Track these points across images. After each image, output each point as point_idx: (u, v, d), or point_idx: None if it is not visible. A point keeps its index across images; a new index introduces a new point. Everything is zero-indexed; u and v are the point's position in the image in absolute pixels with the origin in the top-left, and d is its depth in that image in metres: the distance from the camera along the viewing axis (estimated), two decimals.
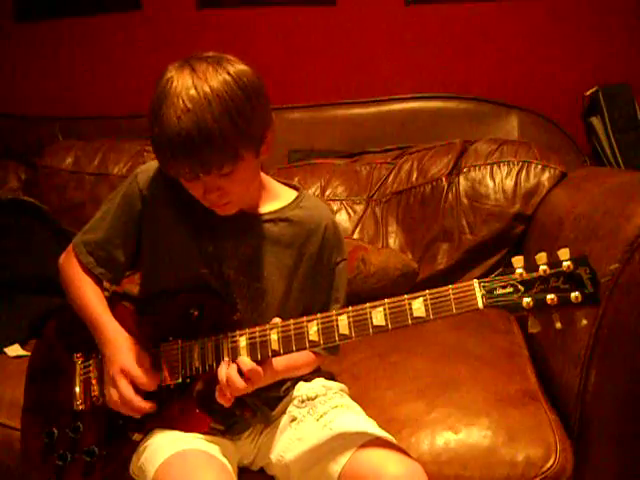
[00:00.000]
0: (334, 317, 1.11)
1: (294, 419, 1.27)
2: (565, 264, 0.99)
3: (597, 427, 1.33)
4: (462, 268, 1.98)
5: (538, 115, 2.24)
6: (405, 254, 1.99)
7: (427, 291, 1.05)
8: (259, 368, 1.13)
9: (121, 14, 2.59)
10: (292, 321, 1.13)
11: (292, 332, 1.13)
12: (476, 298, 1.03)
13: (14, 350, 1.71)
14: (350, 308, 1.10)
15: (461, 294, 1.04)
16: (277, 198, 1.29)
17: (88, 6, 2.61)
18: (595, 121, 2.25)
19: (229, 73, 1.10)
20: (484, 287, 1.03)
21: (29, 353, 1.64)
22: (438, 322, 1.82)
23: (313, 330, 1.11)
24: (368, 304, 1.09)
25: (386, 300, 1.08)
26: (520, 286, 1.01)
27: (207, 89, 1.06)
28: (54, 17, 2.64)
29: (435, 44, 2.42)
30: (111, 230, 1.28)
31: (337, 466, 1.15)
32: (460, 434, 1.30)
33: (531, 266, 1.02)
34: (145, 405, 1.18)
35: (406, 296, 1.07)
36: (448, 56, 2.41)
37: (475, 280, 1.04)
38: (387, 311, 1.07)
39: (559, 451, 1.26)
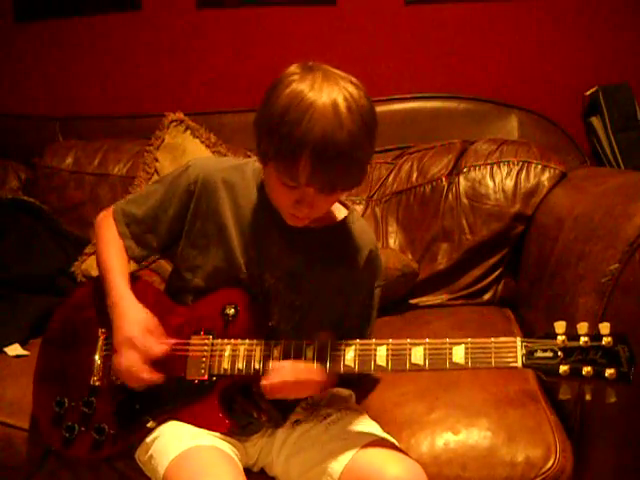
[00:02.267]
0: (373, 346, 1.12)
1: (297, 420, 1.28)
2: (606, 340, 1.02)
3: (597, 427, 1.33)
4: (462, 268, 1.97)
5: (538, 115, 2.24)
6: (405, 254, 1.99)
7: (469, 339, 1.08)
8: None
9: (121, 14, 2.58)
10: (329, 342, 1.14)
11: (328, 353, 1.13)
12: (517, 356, 1.06)
13: (14, 350, 1.71)
14: (390, 340, 1.12)
15: (502, 349, 1.07)
16: (328, 214, 1.27)
17: (88, 6, 2.61)
18: (595, 121, 2.25)
19: (366, 96, 1.10)
20: (526, 347, 1.06)
21: (29, 353, 1.65)
22: (438, 322, 1.82)
23: (350, 355, 1.12)
24: (409, 340, 1.11)
25: (427, 340, 1.10)
26: (560, 352, 1.04)
27: (358, 112, 1.06)
28: (54, 17, 2.64)
29: (435, 44, 2.41)
30: (151, 212, 1.30)
31: (338, 466, 1.15)
32: (460, 435, 1.30)
33: (572, 334, 1.04)
34: (151, 375, 1.17)
35: (448, 340, 1.09)
36: (448, 56, 2.41)
37: (518, 338, 1.07)
38: (427, 351, 1.09)
39: (559, 451, 1.26)
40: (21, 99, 2.72)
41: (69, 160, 2.36)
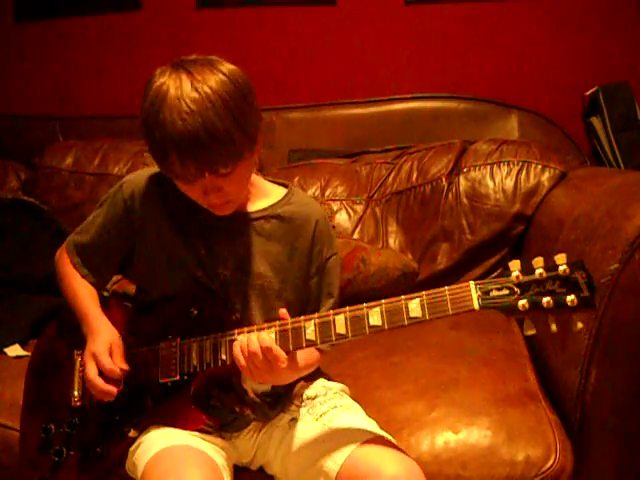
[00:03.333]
0: (331, 316, 1.11)
1: (293, 418, 1.27)
2: (561, 268, 1.00)
3: (597, 427, 1.33)
4: (462, 268, 1.98)
5: (538, 115, 2.24)
6: (405, 254, 1.99)
7: (424, 292, 1.06)
8: (278, 349, 1.11)
9: (121, 14, 2.59)
10: (289, 319, 1.14)
11: (289, 330, 1.13)
12: (472, 299, 1.03)
13: (14, 350, 1.71)
14: (347, 308, 1.11)
15: (457, 295, 1.04)
16: (266, 196, 1.30)
17: (88, 6, 2.61)
18: (595, 121, 2.25)
19: (224, 73, 1.11)
20: (480, 288, 1.03)
21: (29, 353, 1.64)
22: (438, 322, 1.81)
23: (310, 329, 1.12)
24: (365, 304, 1.10)
25: (383, 300, 1.09)
26: (516, 288, 1.02)
27: (207, 90, 1.08)
28: (54, 17, 2.64)
29: (435, 44, 2.42)
30: (96, 236, 1.31)
31: (335, 465, 1.15)
32: (460, 434, 1.30)
33: (528, 269, 1.02)
34: (106, 387, 1.20)
35: (403, 297, 1.07)
36: (448, 56, 2.41)
37: (471, 282, 1.05)
38: (383, 311, 1.08)
39: (559, 451, 1.26)
40: (21, 99, 2.72)
41: (69, 160, 2.36)
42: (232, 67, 1.14)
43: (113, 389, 1.20)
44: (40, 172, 2.38)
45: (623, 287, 1.23)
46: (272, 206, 1.29)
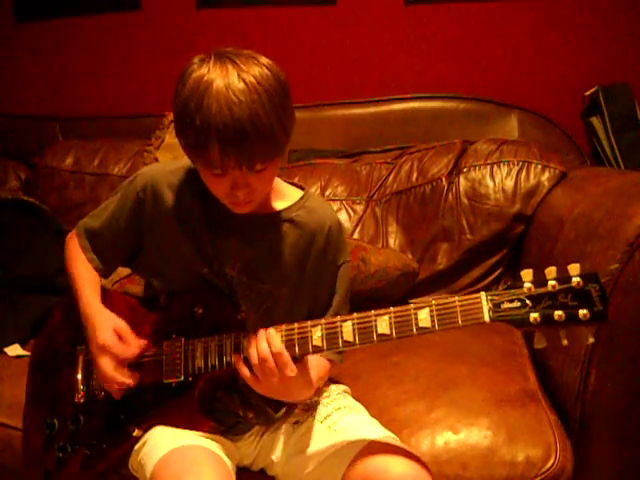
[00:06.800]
0: (339, 323, 1.10)
1: (297, 421, 1.27)
2: (575, 280, 0.98)
3: (597, 427, 1.33)
4: (462, 268, 1.98)
5: (538, 115, 2.24)
6: (405, 254, 1.99)
7: (433, 301, 1.04)
8: (287, 355, 1.09)
9: (121, 14, 2.59)
10: (296, 325, 1.12)
11: (296, 336, 1.11)
12: (483, 311, 1.01)
13: (14, 350, 1.71)
14: (355, 315, 1.09)
15: (468, 306, 1.02)
16: (283, 198, 1.29)
17: (88, 6, 2.61)
18: (595, 121, 2.25)
19: (267, 67, 1.09)
20: (491, 300, 1.01)
21: (29, 353, 1.64)
22: None
23: (317, 335, 1.10)
24: (373, 311, 1.08)
25: (392, 308, 1.07)
26: (528, 301, 1.00)
27: (254, 82, 1.06)
28: (54, 17, 2.64)
29: (435, 44, 2.42)
30: (107, 224, 1.30)
31: (341, 467, 1.15)
32: (460, 434, 1.30)
33: (540, 281, 1.00)
34: (127, 379, 1.19)
35: (412, 305, 1.06)
36: (448, 56, 2.41)
37: (482, 293, 1.03)
38: (392, 320, 1.06)
39: (559, 451, 1.26)
40: (21, 99, 2.73)
41: (69, 160, 2.36)
42: (271, 62, 1.12)
43: (135, 377, 1.19)
44: (40, 172, 2.38)
45: (623, 287, 1.23)
46: (286, 209, 1.27)
